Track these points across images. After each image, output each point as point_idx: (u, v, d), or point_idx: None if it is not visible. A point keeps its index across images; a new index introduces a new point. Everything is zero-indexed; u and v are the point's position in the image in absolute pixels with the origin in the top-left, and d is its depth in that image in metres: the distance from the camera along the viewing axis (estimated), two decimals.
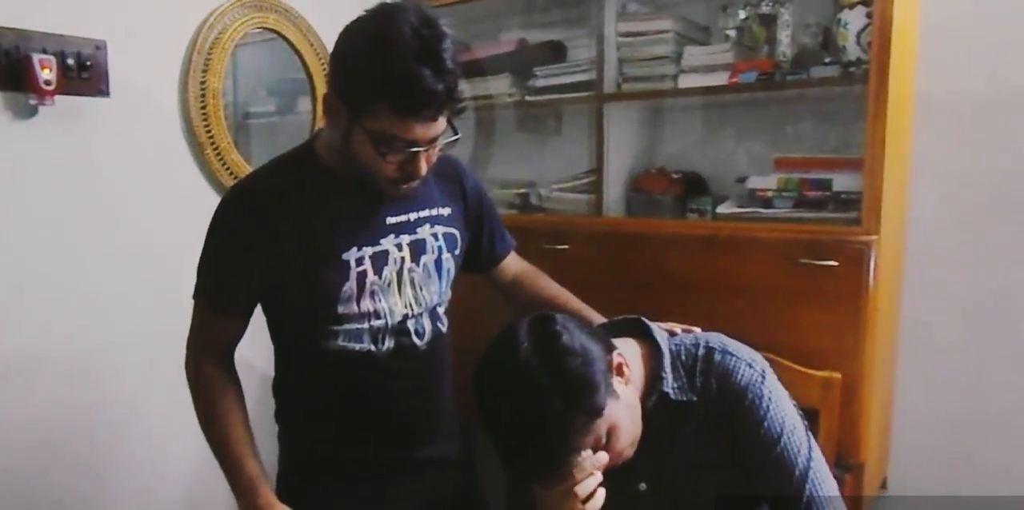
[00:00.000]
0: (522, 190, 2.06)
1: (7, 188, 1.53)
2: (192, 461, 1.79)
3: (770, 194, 1.64)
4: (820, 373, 1.48)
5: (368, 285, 1.16)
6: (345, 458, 1.25)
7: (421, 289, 1.22)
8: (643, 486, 1.14)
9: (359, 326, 1.17)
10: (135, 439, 1.78)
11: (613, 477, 1.11)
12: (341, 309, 1.15)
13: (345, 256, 1.14)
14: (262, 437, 1.20)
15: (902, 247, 1.69)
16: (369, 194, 1.15)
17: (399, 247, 1.19)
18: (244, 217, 1.13)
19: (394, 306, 1.19)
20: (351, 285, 1.14)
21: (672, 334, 1.18)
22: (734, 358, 1.10)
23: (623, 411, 1.03)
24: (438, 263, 1.24)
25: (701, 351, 1.12)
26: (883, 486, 1.78)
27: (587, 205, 1.89)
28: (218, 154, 1.85)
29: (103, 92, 1.63)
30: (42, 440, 1.63)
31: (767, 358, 1.49)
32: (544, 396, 0.96)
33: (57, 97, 1.51)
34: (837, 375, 1.47)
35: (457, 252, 1.28)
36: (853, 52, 1.52)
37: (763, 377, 1.08)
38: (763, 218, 1.63)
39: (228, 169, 1.87)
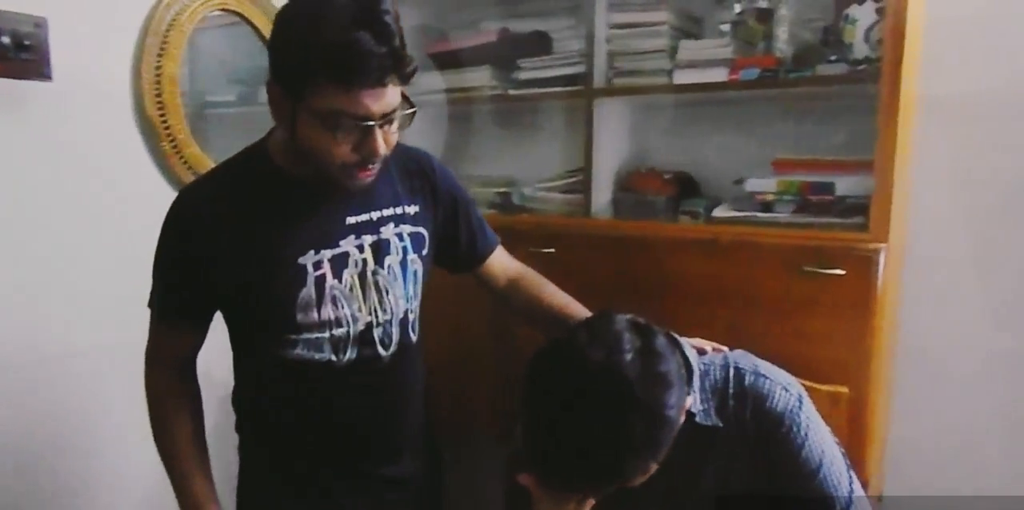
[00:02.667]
0: (503, 189, 1.95)
1: None
2: (152, 475, 1.65)
3: (771, 197, 1.56)
4: (826, 387, 1.41)
5: (328, 290, 1.10)
6: (303, 474, 1.20)
7: (387, 293, 1.16)
8: None
9: (319, 335, 1.11)
10: (96, 451, 1.65)
11: (623, 504, 1.03)
12: (299, 317, 1.09)
13: (302, 260, 1.08)
14: (225, 448, 1.16)
15: (903, 253, 1.64)
16: (326, 194, 1.09)
17: (360, 248, 1.13)
18: (188, 226, 1.08)
19: (357, 313, 1.13)
20: (309, 291, 1.08)
21: (702, 352, 1.10)
22: (768, 381, 1.02)
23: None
24: (403, 265, 1.17)
25: (731, 372, 1.04)
26: (879, 500, 1.72)
27: (574, 205, 1.79)
28: (175, 146, 1.69)
29: (44, 75, 1.46)
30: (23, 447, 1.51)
31: None
32: (633, 451, 0.87)
33: None
34: (844, 389, 1.40)
35: (425, 253, 1.22)
36: (861, 50, 1.45)
37: (800, 402, 1.01)
38: (764, 222, 1.55)
39: (186, 163, 1.71)
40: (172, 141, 1.69)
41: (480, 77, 1.92)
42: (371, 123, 0.97)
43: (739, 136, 1.73)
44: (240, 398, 1.24)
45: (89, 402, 1.62)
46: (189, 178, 1.71)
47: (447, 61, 2.00)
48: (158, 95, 1.65)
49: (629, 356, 0.86)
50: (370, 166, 1.03)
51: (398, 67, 0.95)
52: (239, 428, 1.25)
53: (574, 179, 1.80)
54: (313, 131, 0.98)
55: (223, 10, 1.78)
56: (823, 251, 1.43)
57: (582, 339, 0.89)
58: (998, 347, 1.59)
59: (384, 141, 1.01)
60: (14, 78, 1.41)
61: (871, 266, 1.39)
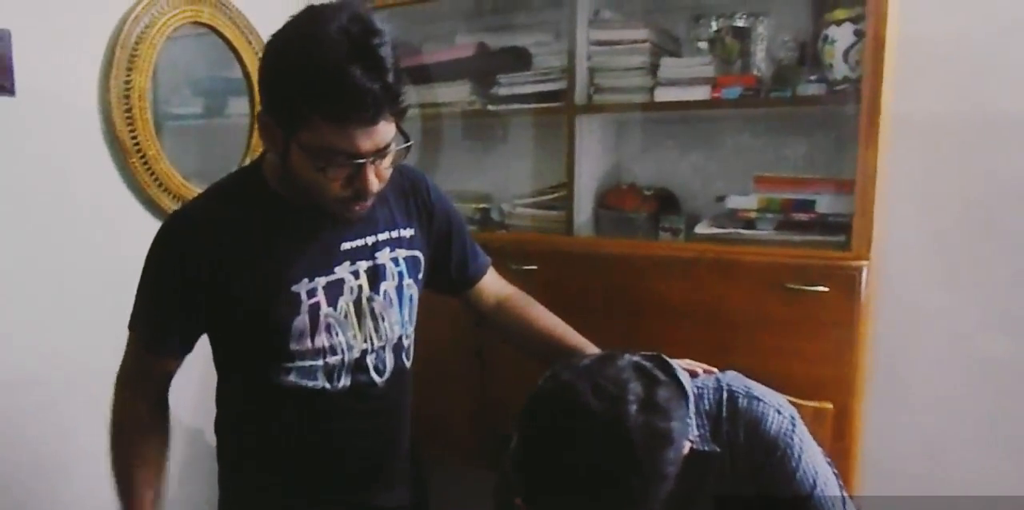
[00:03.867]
0: (481, 205, 1.93)
1: None
2: None
3: (753, 215, 1.57)
4: (811, 403, 1.42)
5: (322, 318, 1.08)
6: (291, 504, 1.16)
7: (382, 319, 1.14)
8: None
9: (312, 363, 1.09)
10: (74, 478, 1.58)
11: None
12: (293, 346, 1.07)
13: (295, 288, 1.05)
14: (198, 476, 1.14)
15: (879, 271, 1.67)
16: (322, 219, 1.07)
17: (356, 275, 1.10)
18: (184, 249, 1.05)
19: (352, 340, 1.11)
20: (303, 319, 1.06)
21: (693, 375, 1.09)
22: (761, 403, 1.03)
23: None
24: (399, 290, 1.16)
25: (725, 395, 1.04)
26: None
27: (554, 222, 1.78)
28: (145, 163, 1.63)
29: (6, 89, 1.42)
30: None
31: None
32: (631, 505, 0.86)
33: None
34: (829, 405, 1.42)
35: (420, 277, 1.20)
36: (840, 70, 1.47)
37: (793, 425, 1.02)
38: (745, 240, 1.57)
39: (157, 180, 1.65)
40: (142, 157, 1.63)
41: (457, 92, 1.90)
42: (362, 160, 0.95)
43: (720, 153, 1.75)
44: (224, 424, 1.20)
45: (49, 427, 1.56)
46: (159, 195, 1.65)
47: (419, 75, 1.98)
48: (127, 110, 1.59)
49: (633, 408, 0.85)
50: (363, 200, 1.02)
51: (391, 103, 0.93)
52: (220, 455, 1.20)
53: (554, 195, 1.79)
54: (303, 166, 0.97)
55: (194, 22, 1.73)
56: (806, 269, 1.45)
57: (584, 387, 0.87)
58: (969, 363, 1.63)
59: (376, 176, 0.98)
60: None
61: (854, 283, 1.41)
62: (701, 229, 1.64)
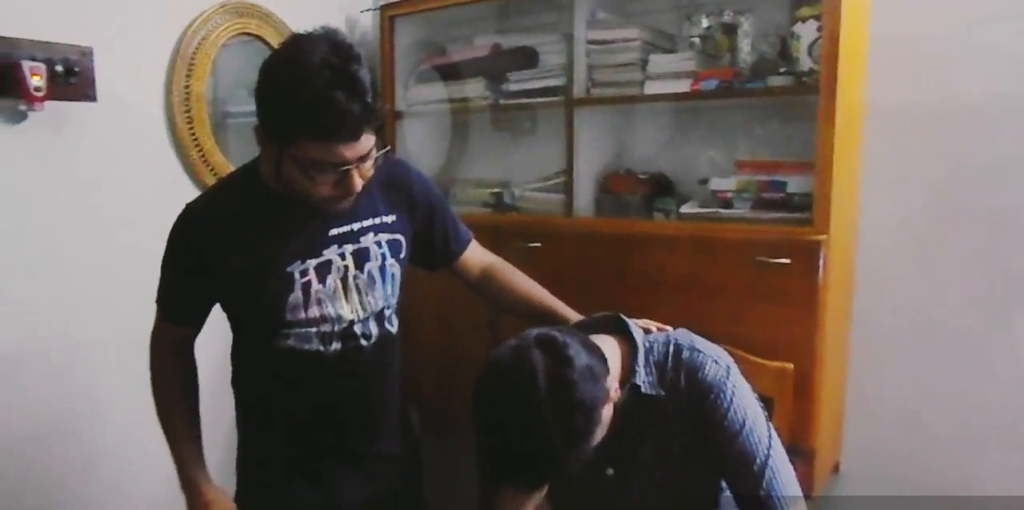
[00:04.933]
0: (496, 190, 2.13)
1: None
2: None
3: (730, 195, 1.73)
4: (774, 364, 1.58)
5: (313, 294, 1.23)
6: (295, 449, 1.33)
7: (367, 294, 1.28)
8: (610, 471, 1.21)
9: (307, 330, 1.24)
10: (116, 429, 1.84)
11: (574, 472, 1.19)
12: (289, 317, 1.23)
13: (289, 269, 1.21)
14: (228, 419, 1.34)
15: (853, 247, 1.79)
16: (311, 210, 1.20)
17: (342, 256, 1.25)
18: (190, 237, 1.22)
19: (340, 310, 1.25)
20: (296, 295, 1.22)
21: (647, 331, 1.25)
22: (701, 354, 1.16)
23: (600, 432, 1.08)
24: (382, 269, 1.30)
25: (671, 348, 1.18)
26: (835, 470, 1.89)
27: (558, 205, 1.97)
28: (202, 155, 1.91)
29: (90, 97, 1.69)
30: (29, 434, 1.69)
31: (727, 351, 1.59)
32: (550, 445, 1.00)
33: (46, 103, 1.57)
34: (790, 365, 1.57)
35: (402, 256, 1.34)
36: (805, 63, 1.61)
37: (727, 373, 1.15)
38: (723, 218, 1.72)
39: (212, 170, 1.93)
40: (200, 151, 1.91)
41: (475, 88, 2.11)
42: (347, 167, 1.09)
43: (705, 140, 1.90)
44: (238, 379, 1.36)
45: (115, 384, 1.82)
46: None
47: (447, 73, 2.19)
48: (187, 111, 1.87)
49: (542, 392, 0.99)
50: (349, 198, 1.17)
51: (370, 119, 1.06)
52: (236, 406, 1.38)
53: (558, 180, 1.98)
54: (295, 174, 1.11)
55: (243, 33, 1.99)
56: (772, 243, 1.60)
57: (499, 371, 1.04)
58: (942, 333, 1.75)
59: (360, 176, 1.13)
60: (65, 100, 1.64)
61: (814, 255, 1.55)
62: (687, 209, 1.81)
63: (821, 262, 1.55)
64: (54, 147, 1.66)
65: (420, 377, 2.05)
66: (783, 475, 1.12)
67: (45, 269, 1.67)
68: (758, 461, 1.12)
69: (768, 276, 1.60)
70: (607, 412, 1.09)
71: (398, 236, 1.32)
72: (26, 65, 1.53)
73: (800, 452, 1.62)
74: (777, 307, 1.60)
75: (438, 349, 2.10)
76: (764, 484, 1.11)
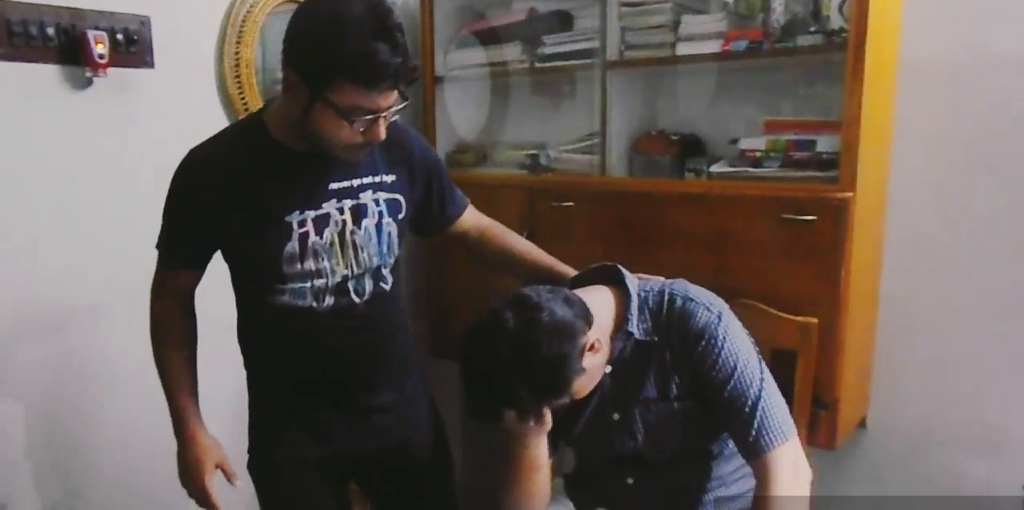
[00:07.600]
0: (533, 151, 2.19)
1: (69, 152, 1.71)
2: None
3: (759, 154, 1.76)
4: (798, 318, 1.63)
5: (310, 245, 1.26)
6: (298, 399, 1.39)
7: (362, 250, 1.31)
8: (616, 416, 1.28)
9: (302, 285, 1.28)
10: (127, 389, 1.85)
11: (589, 406, 1.28)
12: (285, 268, 1.26)
13: (288, 218, 1.24)
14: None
15: (883, 204, 1.81)
16: (314, 163, 1.23)
17: (341, 211, 1.27)
18: (192, 181, 1.25)
19: (335, 266, 1.28)
20: (293, 245, 1.24)
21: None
22: (693, 303, 1.22)
23: (585, 380, 1.16)
24: (379, 227, 1.32)
25: (666, 297, 1.24)
26: (863, 425, 1.93)
27: (592, 166, 2.02)
28: None
29: (148, 64, 1.80)
30: (45, 393, 1.76)
31: (751, 305, 1.64)
32: (517, 392, 1.11)
33: (109, 69, 1.68)
34: (814, 320, 1.62)
35: (401, 217, 1.36)
36: (836, 21, 1.63)
37: (719, 318, 1.20)
38: (752, 177, 1.76)
39: None
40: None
41: (512, 52, 2.17)
42: (381, 115, 1.15)
43: (736, 100, 1.93)
44: (241, 331, 1.41)
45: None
46: None
47: (486, 38, 2.25)
48: (237, 76, 1.97)
49: (505, 344, 1.09)
50: (372, 145, 1.21)
51: (407, 75, 1.14)
52: (243, 354, 1.42)
53: (592, 142, 2.03)
54: (327, 118, 1.14)
55: (289, 1, 2.07)
56: (800, 201, 1.64)
57: (474, 330, 1.16)
58: (970, 289, 1.77)
59: (385, 128, 1.19)
60: (126, 67, 1.75)
61: (840, 213, 1.59)
62: (716, 168, 1.85)
63: (847, 219, 1.58)
64: (116, 111, 1.77)
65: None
66: (772, 418, 1.17)
67: (109, 226, 1.79)
68: (750, 402, 1.17)
69: (795, 233, 1.64)
70: (593, 362, 1.16)
71: (397, 196, 1.34)
72: (91, 34, 1.63)
73: (823, 403, 1.67)
74: (803, 264, 1.64)
75: (455, 316, 2.21)
76: (755, 425, 1.16)
